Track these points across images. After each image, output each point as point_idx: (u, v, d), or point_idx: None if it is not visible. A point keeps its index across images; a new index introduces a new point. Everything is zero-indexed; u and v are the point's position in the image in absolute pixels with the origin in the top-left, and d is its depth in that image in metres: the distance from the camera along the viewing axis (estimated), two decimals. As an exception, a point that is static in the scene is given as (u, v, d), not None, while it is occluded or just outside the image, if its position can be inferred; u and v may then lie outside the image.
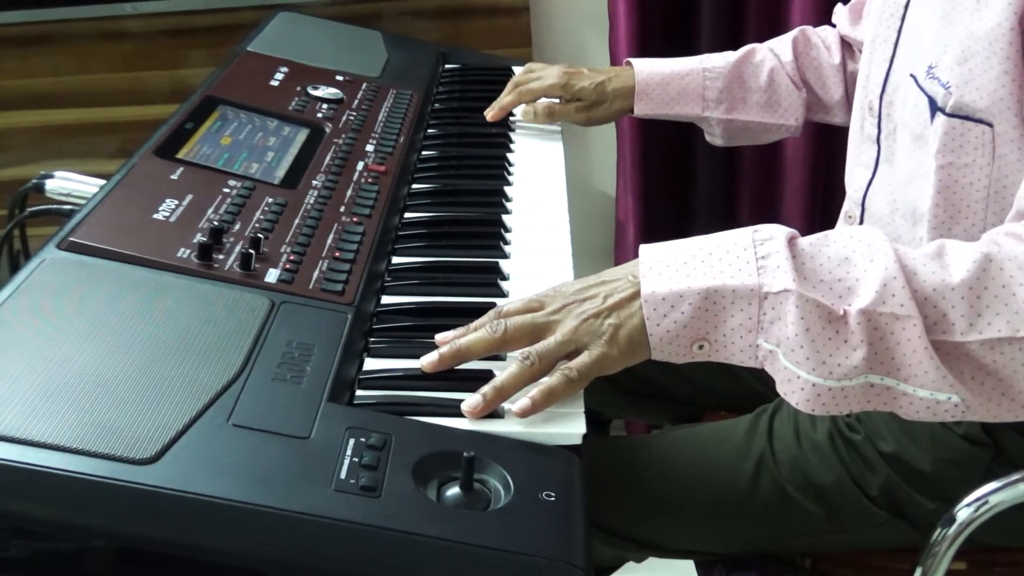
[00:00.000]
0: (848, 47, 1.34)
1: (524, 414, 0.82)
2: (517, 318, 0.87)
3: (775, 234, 0.83)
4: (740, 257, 0.83)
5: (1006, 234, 0.81)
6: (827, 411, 0.81)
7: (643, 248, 0.86)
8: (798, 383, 0.80)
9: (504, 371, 0.84)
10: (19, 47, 1.97)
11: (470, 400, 0.83)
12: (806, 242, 0.83)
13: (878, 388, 0.80)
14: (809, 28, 1.38)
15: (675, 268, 0.84)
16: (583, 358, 0.84)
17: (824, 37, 1.36)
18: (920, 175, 0.97)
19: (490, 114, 1.40)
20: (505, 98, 1.40)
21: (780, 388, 0.82)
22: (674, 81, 1.35)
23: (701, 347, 0.83)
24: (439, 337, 0.89)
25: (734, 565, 1.09)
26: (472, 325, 0.89)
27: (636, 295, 0.84)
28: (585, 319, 0.85)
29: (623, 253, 1.99)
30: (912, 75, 0.97)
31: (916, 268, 0.80)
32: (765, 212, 1.91)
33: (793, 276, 0.80)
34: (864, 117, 1.07)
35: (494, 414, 0.83)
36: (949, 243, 0.82)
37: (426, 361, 0.87)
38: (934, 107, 0.94)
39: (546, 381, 0.84)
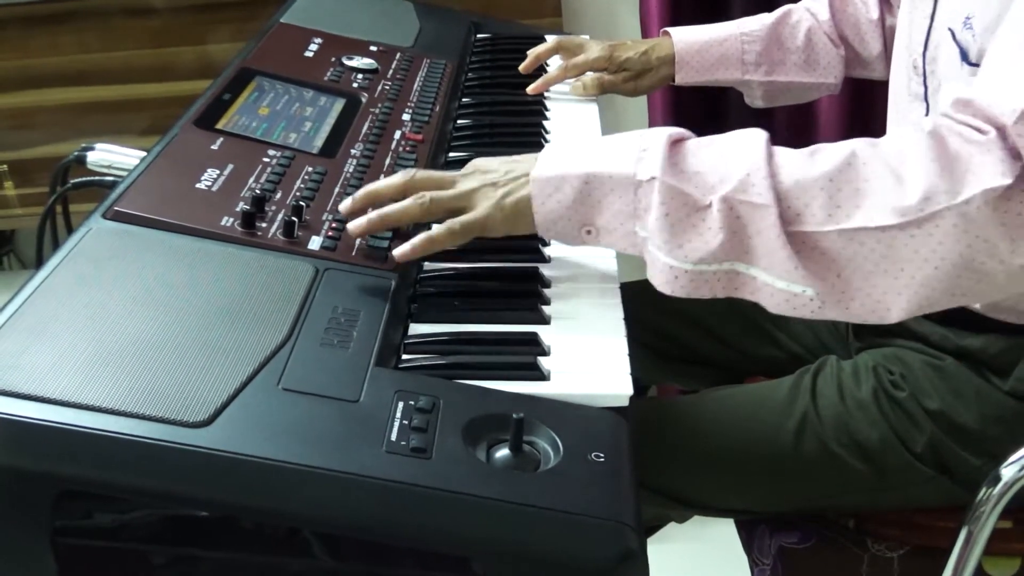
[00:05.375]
0: (886, 1, 1.33)
1: (403, 258, 0.92)
2: (428, 171, 0.97)
3: (660, 131, 0.88)
4: (624, 149, 0.88)
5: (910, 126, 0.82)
6: (687, 293, 0.85)
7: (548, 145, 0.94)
8: (658, 266, 0.86)
9: (398, 205, 0.93)
10: (48, 25, 1.97)
11: (356, 222, 0.93)
12: (693, 141, 0.88)
13: (744, 277, 0.84)
14: None
15: (566, 155, 0.91)
16: (469, 214, 0.92)
17: None
18: None
19: (532, 88, 1.40)
20: (551, 75, 1.40)
21: (648, 273, 0.88)
22: (712, 48, 1.36)
23: (589, 232, 0.90)
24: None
25: (777, 525, 1.10)
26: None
27: (528, 174, 0.92)
28: (483, 185, 0.93)
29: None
30: (950, 29, 0.97)
31: (783, 163, 0.84)
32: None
33: (662, 166, 0.85)
34: (910, 76, 1.06)
35: (540, 376, 0.83)
36: (830, 144, 0.85)
37: (353, 226, 0.94)
38: (965, 58, 0.94)
39: (429, 233, 0.92)
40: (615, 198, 0.87)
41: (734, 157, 0.85)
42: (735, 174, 0.83)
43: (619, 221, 0.88)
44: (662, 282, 0.86)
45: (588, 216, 0.89)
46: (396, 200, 0.94)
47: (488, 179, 0.93)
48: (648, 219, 0.85)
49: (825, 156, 0.83)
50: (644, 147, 0.87)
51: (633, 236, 0.88)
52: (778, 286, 0.83)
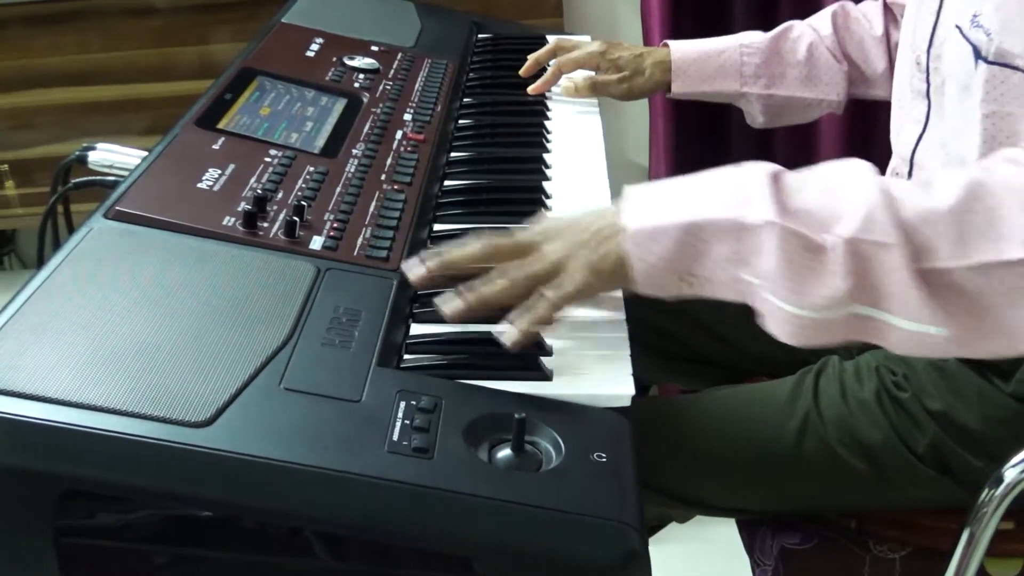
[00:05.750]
0: (892, 16, 1.32)
1: (516, 346, 0.85)
2: (504, 238, 0.89)
3: (758, 168, 0.83)
4: (721, 191, 0.83)
5: (1004, 160, 0.80)
6: (810, 342, 0.81)
7: (627, 187, 0.87)
8: (779, 315, 0.81)
9: (487, 283, 0.86)
10: (49, 25, 1.97)
11: (451, 303, 0.86)
12: (791, 176, 0.83)
13: (866, 321, 0.80)
14: (848, 3, 1.36)
15: (659, 204, 0.85)
16: (567, 286, 0.86)
17: (865, 10, 1.35)
18: (967, 126, 0.96)
19: (532, 89, 1.39)
20: (547, 75, 1.40)
21: (762, 321, 0.83)
22: (711, 58, 1.35)
23: (687, 282, 0.84)
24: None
25: (779, 526, 1.09)
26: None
27: (622, 229, 0.85)
28: (572, 246, 0.86)
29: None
30: (957, 26, 0.97)
31: (902, 197, 0.79)
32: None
33: (774, 207, 0.80)
34: (912, 73, 1.06)
35: (542, 376, 0.83)
36: (940, 173, 0.81)
37: (451, 312, 0.87)
38: (977, 55, 0.93)
39: (532, 312, 0.85)
40: (717, 244, 0.81)
41: (844, 193, 0.80)
42: (853, 212, 0.78)
43: (722, 269, 0.82)
44: (784, 332, 0.81)
45: (688, 266, 0.83)
46: (472, 266, 0.89)
47: (575, 239, 0.87)
48: (760, 265, 0.81)
49: (943, 189, 0.79)
50: (742, 187, 0.82)
51: (739, 283, 0.82)
52: (907, 327, 0.79)
